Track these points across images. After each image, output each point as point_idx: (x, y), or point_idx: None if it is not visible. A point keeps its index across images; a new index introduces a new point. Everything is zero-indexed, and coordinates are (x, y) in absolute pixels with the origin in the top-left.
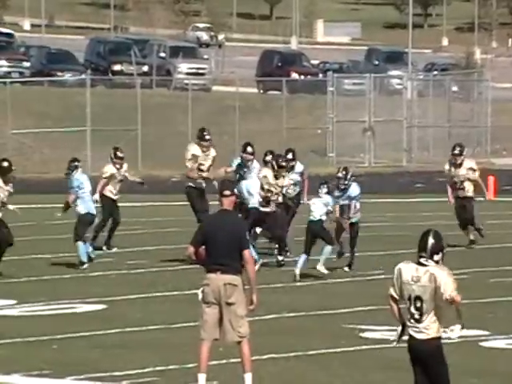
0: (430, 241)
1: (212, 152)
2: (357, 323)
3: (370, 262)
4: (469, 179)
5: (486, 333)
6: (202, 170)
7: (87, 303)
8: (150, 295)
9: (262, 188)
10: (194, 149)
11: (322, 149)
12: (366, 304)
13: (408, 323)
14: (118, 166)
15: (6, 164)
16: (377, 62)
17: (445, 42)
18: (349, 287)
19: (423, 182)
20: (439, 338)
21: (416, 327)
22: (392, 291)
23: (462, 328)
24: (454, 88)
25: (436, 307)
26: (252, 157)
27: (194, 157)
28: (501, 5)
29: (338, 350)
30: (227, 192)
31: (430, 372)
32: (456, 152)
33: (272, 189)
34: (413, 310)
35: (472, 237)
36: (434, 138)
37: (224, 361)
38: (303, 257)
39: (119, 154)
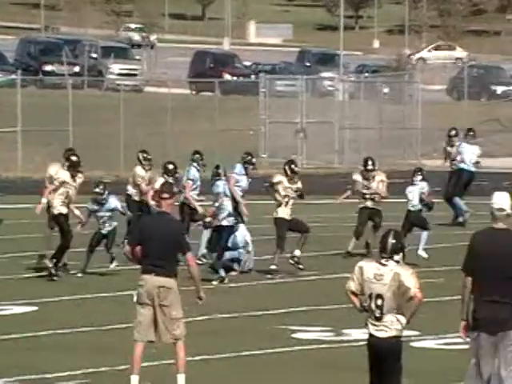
0: (390, 241)
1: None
2: (289, 324)
3: (302, 262)
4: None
5: (417, 333)
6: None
7: (17, 305)
8: (81, 297)
9: (278, 193)
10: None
11: (254, 150)
12: (298, 305)
13: (368, 321)
14: (147, 168)
15: (75, 158)
16: (309, 64)
17: (376, 44)
18: (281, 288)
19: None
20: (400, 336)
21: (376, 325)
22: (352, 286)
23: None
24: (385, 90)
25: (398, 306)
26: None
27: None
28: (431, 7)
29: (271, 350)
30: (166, 195)
31: (385, 370)
32: (369, 167)
33: (288, 193)
34: (373, 307)
35: (370, 240)
36: (365, 140)
37: (156, 362)
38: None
39: (147, 155)
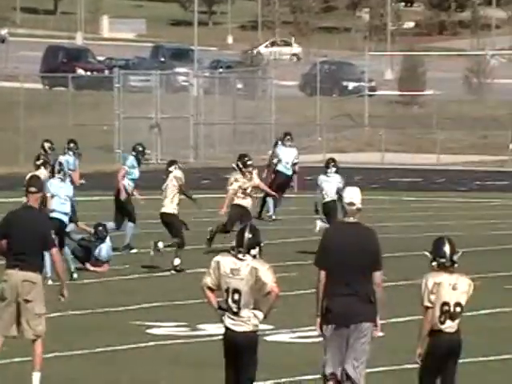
0: (247, 236)
1: None
2: (144, 319)
3: (157, 258)
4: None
5: (271, 327)
6: None
7: None
8: None
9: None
10: None
11: (108, 145)
12: (152, 300)
13: (226, 315)
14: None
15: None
16: (163, 59)
17: (230, 39)
18: (134, 284)
19: (209, 178)
20: (256, 330)
21: (233, 319)
22: (209, 282)
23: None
24: (239, 85)
25: (255, 301)
26: None
27: None
28: (283, 4)
29: (125, 346)
30: (33, 189)
31: (241, 363)
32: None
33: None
34: (230, 302)
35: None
36: (220, 135)
37: (8, 360)
38: None
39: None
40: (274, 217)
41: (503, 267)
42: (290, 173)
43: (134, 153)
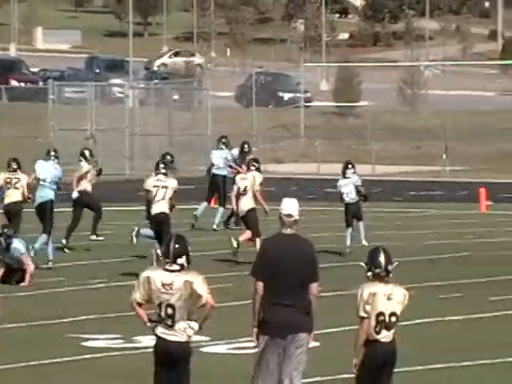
0: (173, 245)
1: None
2: (79, 332)
3: (90, 269)
4: None
5: (207, 338)
6: None
7: None
8: None
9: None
10: None
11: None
12: (87, 313)
13: (159, 328)
14: None
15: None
16: (98, 70)
17: (165, 50)
18: (70, 296)
19: None
20: (190, 342)
21: (167, 331)
22: (138, 297)
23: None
24: (175, 96)
25: (189, 313)
26: None
27: None
28: (218, 15)
29: (60, 360)
30: None
31: (174, 373)
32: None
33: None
34: (164, 315)
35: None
36: (156, 147)
37: None
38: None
39: None
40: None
41: (437, 277)
42: (225, 173)
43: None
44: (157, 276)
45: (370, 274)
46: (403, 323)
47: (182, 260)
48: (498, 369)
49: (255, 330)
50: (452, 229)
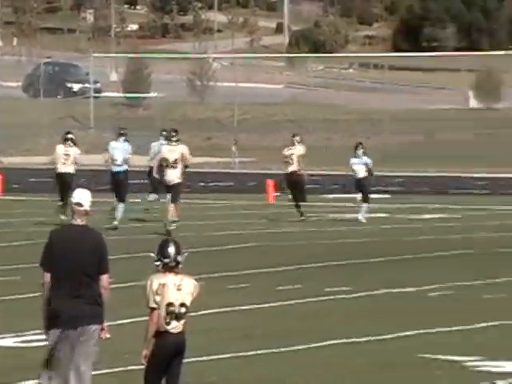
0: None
1: None
2: None
3: None
4: None
5: None
6: None
7: None
8: None
9: None
10: None
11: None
12: None
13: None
14: None
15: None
16: None
17: None
18: None
19: None
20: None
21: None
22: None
23: None
24: None
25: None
26: None
27: None
28: (5, 4)
29: None
30: None
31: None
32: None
33: None
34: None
35: None
36: None
37: None
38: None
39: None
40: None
41: (226, 267)
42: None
43: None
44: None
45: (159, 264)
46: (193, 314)
47: None
48: (272, 357)
49: (45, 321)
50: (241, 219)
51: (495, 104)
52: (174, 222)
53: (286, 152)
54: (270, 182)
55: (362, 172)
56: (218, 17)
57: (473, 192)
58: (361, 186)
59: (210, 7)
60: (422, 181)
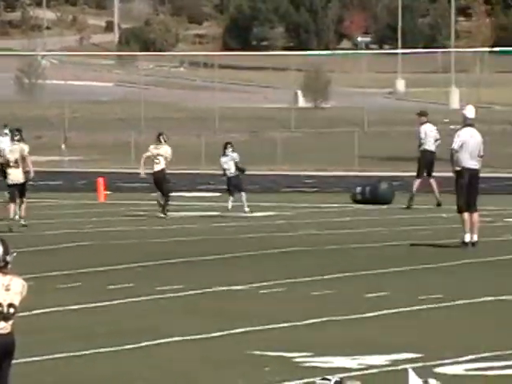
0: None
1: None
2: None
3: None
4: None
5: None
6: None
7: None
8: None
9: None
10: None
11: None
12: None
13: None
14: None
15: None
16: None
17: None
18: None
19: None
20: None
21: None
22: None
23: None
24: None
25: None
26: None
27: None
28: None
29: None
30: None
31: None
32: None
33: None
34: None
35: None
36: None
37: None
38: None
39: None
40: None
41: (57, 267)
42: None
43: None
44: None
45: None
46: (24, 314)
47: None
48: (113, 356)
49: None
50: (72, 218)
51: (323, 103)
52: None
53: (154, 151)
54: (101, 181)
55: (232, 168)
56: (46, 14)
57: (303, 190)
58: (233, 184)
59: (39, 4)
60: (253, 179)
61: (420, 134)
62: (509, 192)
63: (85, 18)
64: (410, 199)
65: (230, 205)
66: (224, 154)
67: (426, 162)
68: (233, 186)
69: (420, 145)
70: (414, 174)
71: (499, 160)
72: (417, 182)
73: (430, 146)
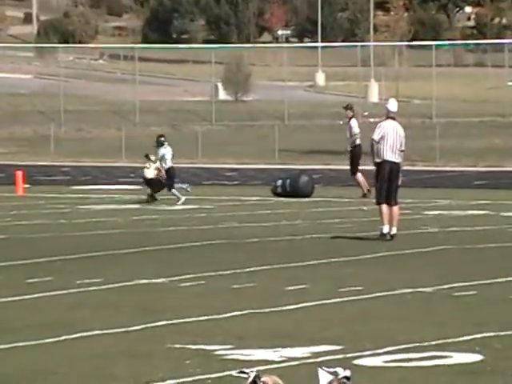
0: None
1: None
2: None
3: None
4: None
5: None
6: None
7: None
8: None
9: None
10: None
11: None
12: None
13: None
14: None
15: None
16: None
17: None
18: None
19: None
20: None
21: None
22: None
23: None
24: None
25: None
26: None
27: None
28: None
29: None
30: None
31: None
32: None
33: None
34: None
35: None
36: None
37: None
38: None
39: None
40: None
41: None
42: None
43: None
44: None
45: None
46: None
47: None
48: (32, 350)
49: None
50: None
51: (244, 96)
52: None
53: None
54: (20, 174)
55: (169, 161)
56: None
57: (223, 183)
58: (171, 174)
59: None
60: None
61: (353, 128)
62: (427, 185)
63: (3, 9)
64: (366, 194)
65: (182, 198)
66: (162, 146)
67: (360, 156)
68: (170, 176)
69: (354, 140)
70: (335, 167)
71: (418, 153)
72: (361, 178)
73: (360, 140)
